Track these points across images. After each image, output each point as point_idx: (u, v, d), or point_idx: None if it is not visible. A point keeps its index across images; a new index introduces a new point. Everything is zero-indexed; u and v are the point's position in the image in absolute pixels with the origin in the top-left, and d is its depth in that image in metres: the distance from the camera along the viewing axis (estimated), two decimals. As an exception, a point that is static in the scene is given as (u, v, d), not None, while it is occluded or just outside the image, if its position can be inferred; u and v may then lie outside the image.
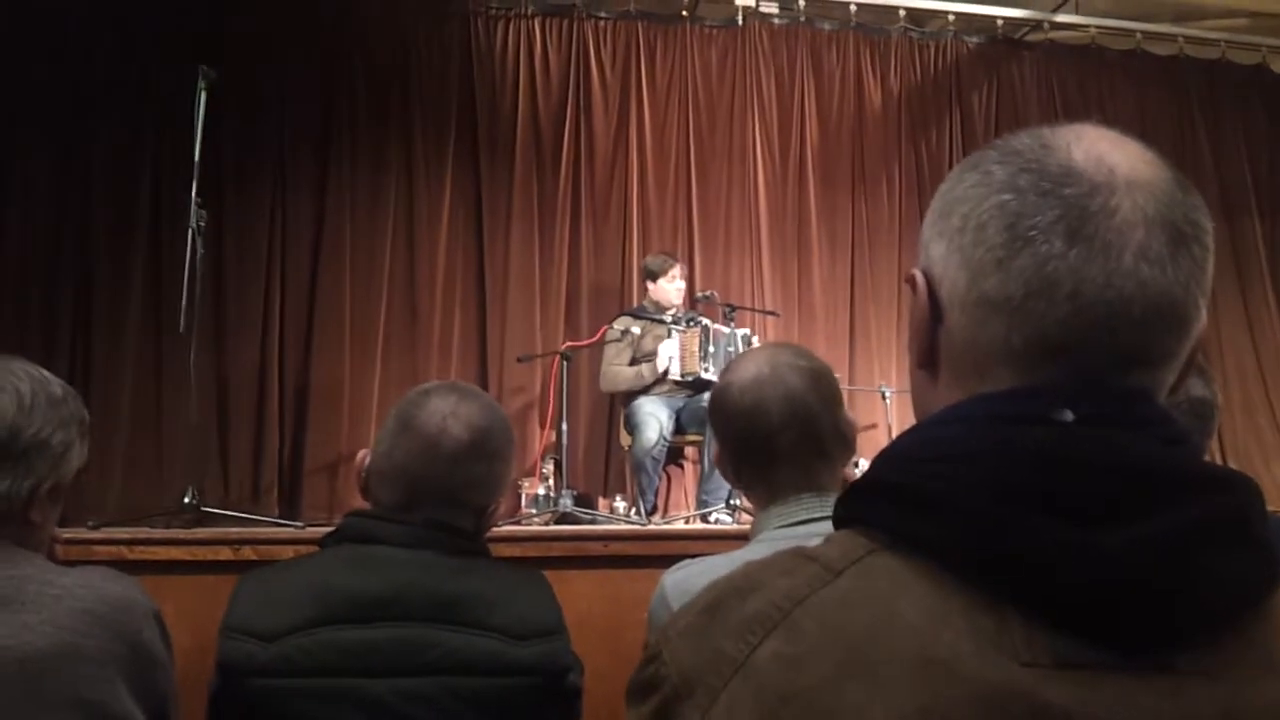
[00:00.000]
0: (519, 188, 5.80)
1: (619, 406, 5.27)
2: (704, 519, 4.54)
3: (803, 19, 6.30)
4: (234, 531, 3.31)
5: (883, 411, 5.66)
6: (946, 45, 6.50)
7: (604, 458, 5.69)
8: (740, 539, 1.73)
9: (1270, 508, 0.65)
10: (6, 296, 5.04)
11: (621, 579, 3.08)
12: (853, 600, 0.61)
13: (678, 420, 4.88)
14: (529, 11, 5.93)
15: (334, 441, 5.32)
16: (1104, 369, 0.65)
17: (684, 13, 6.14)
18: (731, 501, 4.38)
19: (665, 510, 5.30)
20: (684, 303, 5.25)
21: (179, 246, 4.00)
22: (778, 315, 5.79)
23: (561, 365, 4.91)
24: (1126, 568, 0.57)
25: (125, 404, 5.06)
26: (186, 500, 3.68)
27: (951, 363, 0.70)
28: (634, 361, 5.05)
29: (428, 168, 5.71)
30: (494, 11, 5.91)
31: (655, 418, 4.74)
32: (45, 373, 1.41)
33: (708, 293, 5.33)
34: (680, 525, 4.57)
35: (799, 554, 0.66)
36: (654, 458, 4.73)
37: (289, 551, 2.86)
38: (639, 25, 6.08)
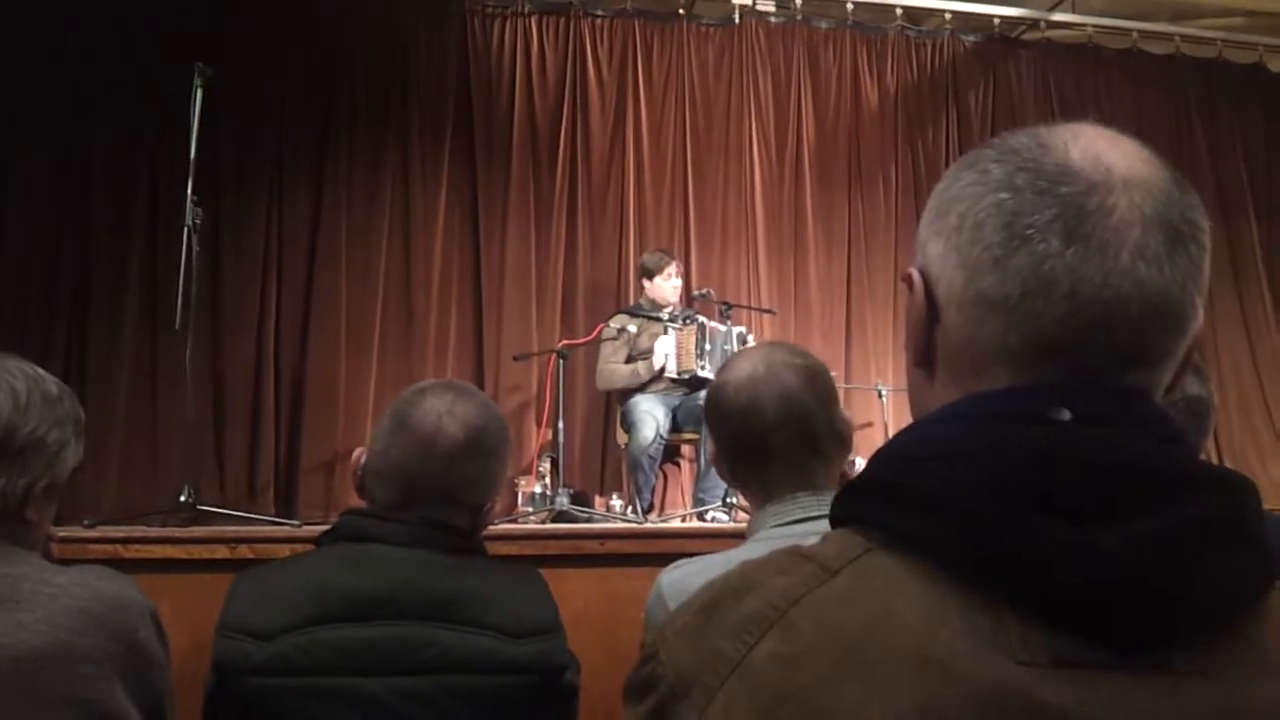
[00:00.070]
0: (515, 186, 5.80)
1: (615, 405, 5.27)
2: (700, 517, 4.54)
3: (799, 17, 6.30)
4: (230, 530, 3.31)
5: (879, 410, 5.66)
6: (943, 44, 6.51)
7: (600, 456, 5.69)
8: (737, 537, 1.73)
9: (1267, 507, 0.65)
10: (4, 295, 5.03)
11: (618, 577, 3.07)
12: (849, 599, 0.61)
13: (674, 418, 4.88)
14: (526, 10, 5.93)
15: (330, 440, 5.32)
16: (1101, 368, 0.65)
17: (681, 11, 6.14)
18: (728, 500, 4.38)
19: (662, 508, 5.30)
20: (680, 300, 5.25)
21: (176, 245, 4.00)
22: (774, 313, 5.79)
23: (558, 363, 4.91)
24: (1123, 567, 0.57)
25: (121, 402, 5.05)
26: (182, 499, 3.68)
27: (948, 361, 0.70)
28: (630, 359, 5.05)
29: (424, 166, 5.71)
30: (491, 10, 5.91)
31: (652, 416, 4.74)
32: (41, 371, 1.41)
33: (704, 291, 5.33)
34: (677, 524, 4.57)
35: (795, 553, 0.66)
36: (650, 456, 4.73)
37: (285, 550, 2.86)
38: (636, 23, 6.08)
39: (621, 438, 5.05)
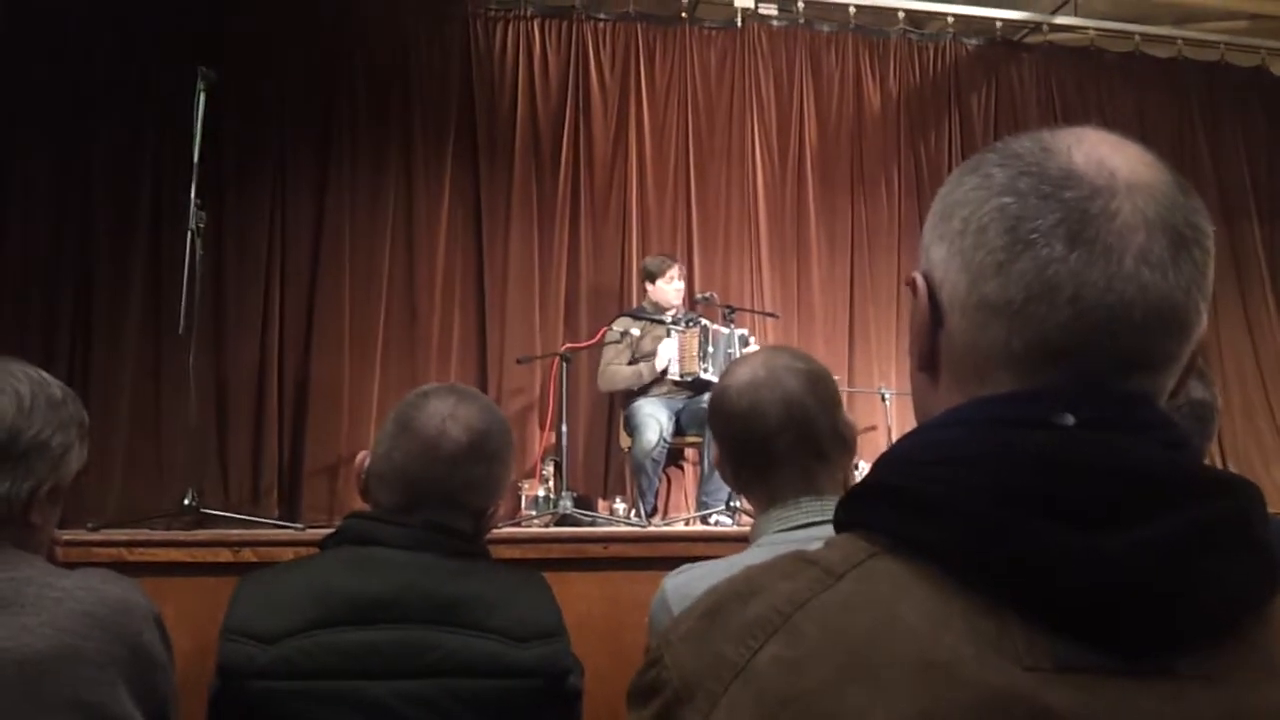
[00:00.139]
0: (518, 189, 5.80)
1: (619, 408, 5.26)
2: (704, 521, 4.54)
3: (802, 21, 6.30)
4: (234, 533, 3.31)
5: (882, 413, 5.66)
6: (945, 47, 6.50)
7: (604, 459, 5.68)
8: (740, 541, 1.73)
9: (1271, 510, 0.65)
10: (6, 297, 5.03)
11: (621, 581, 3.07)
12: (854, 604, 0.61)
13: (677, 422, 4.88)
14: (528, 13, 5.93)
15: (333, 443, 5.31)
16: (1105, 373, 0.65)
17: (683, 14, 6.14)
18: (731, 503, 4.38)
19: (665, 512, 5.30)
20: (683, 303, 5.25)
21: (179, 248, 4.00)
22: (777, 317, 5.79)
23: (561, 367, 4.91)
24: (1127, 571, 0.57)
25: (125, 406, 5.05)
26: (186, 502, 3.68)
27: (952, 366, 0.70)
28: (633, 362, 5.05)
29: (427, 169, 5.71)
30: (493, 13, 5.91)
31: (655, 419, 4.74)
32: (45, 374, 1.41)
33: (707, 294, 5.33)
34: (680, 527, 4.57)
35: (800, 558, 0.66)
36: (654, 459, 4.73)
37: (289, 553, 2.86)
38: (638, 27, 6.08)
39: (625, 441, 5.04)
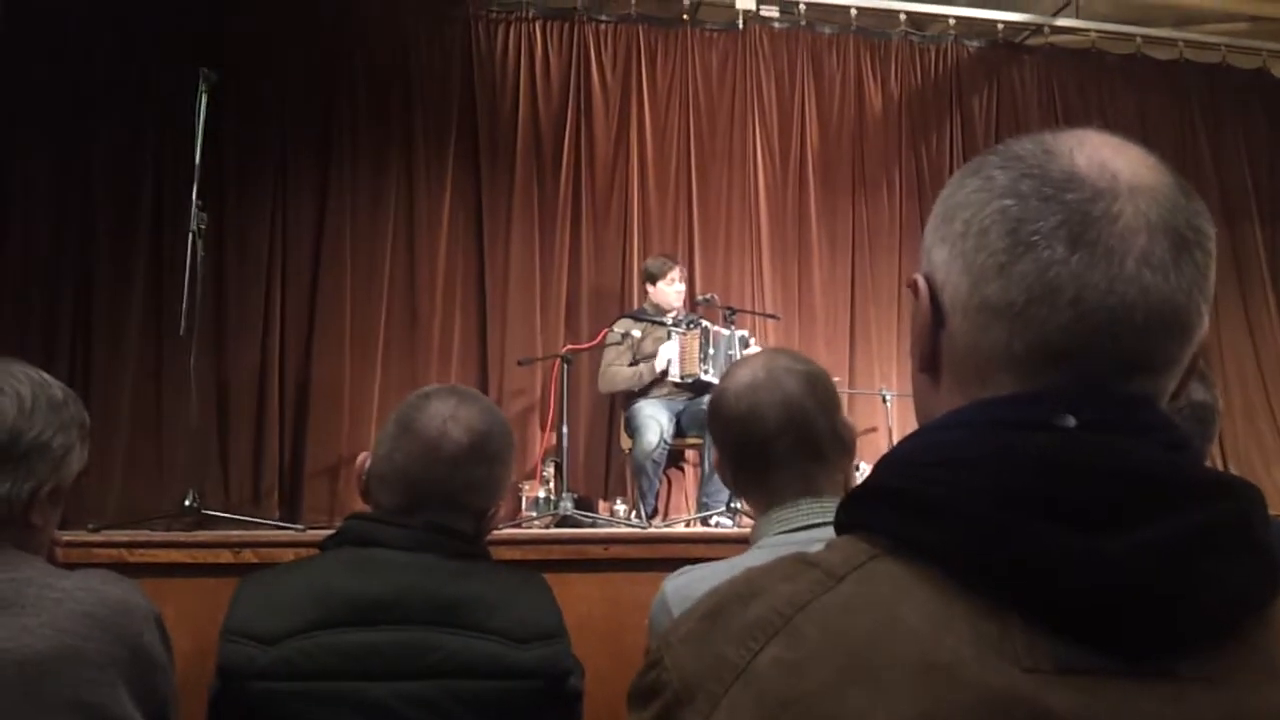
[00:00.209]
0: (519, 191, 5.80)
1: (619, 409, 5.27)
2: (704, 522, 4.54)
3: (803, 23, 6.30)
4: (234, 534, 3.32)
5: (883, 415, 5.66)
6: (947, 49, 6.51)
7: (604, 461, 5.68)
8: (740, 543, 1.73)
9: (1272, 512, 0.65)
10: (7, 298, 5.03)
11: (622, 582, 3.07)
12: (855, 606, 0.61)
13: (678, 423, 4.89)
14: (530, 15, 5.94)
15: (334, 444, 5.32)
16: (1106, 375, 0.65)
17: (684, 16, 6.14)
18: (732, 505, 4.38)
19: (666, 513, 5.30)
20: (684, 305, 5.25)
21: (179, 249, 4.01)
22: (778, 318, 5.79)
23: (562, 368, 4.92)
24: (1129, 573, 0.57)
25: (126, 407, 5.05)
26: (187, 503, 3.69)
27: (953, 367, 0.70)
28: (634, 364, 5.05)
29: (428, 171, 5.71)
30: (494, 14, 5.92)
31: (656, 421, 4.74)
32: (46, 375, 1.41)
33: (708, 295, 5.33)
34: (681, 528, 4.57)
35: (800, 560, 0.66)
36: (654, 461, 4.73)
37: (289, 554, 2.86)
38: (640, 28, 6.09)
39: (625, 442, 5.05)
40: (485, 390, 5.33)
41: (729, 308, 5.13)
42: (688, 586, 1.54)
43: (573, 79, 5.94)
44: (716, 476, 4.22)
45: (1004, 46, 6.57)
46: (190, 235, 3.84)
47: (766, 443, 1.55)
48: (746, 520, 4.00)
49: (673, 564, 1.66)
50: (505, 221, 5.77)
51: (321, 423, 5.35)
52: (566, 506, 4.51)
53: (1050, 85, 6.60)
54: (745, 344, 4.93)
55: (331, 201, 5.54)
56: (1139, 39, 6.64)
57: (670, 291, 5.13)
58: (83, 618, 1.27)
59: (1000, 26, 6.50)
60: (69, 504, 1.45)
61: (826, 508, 1.51)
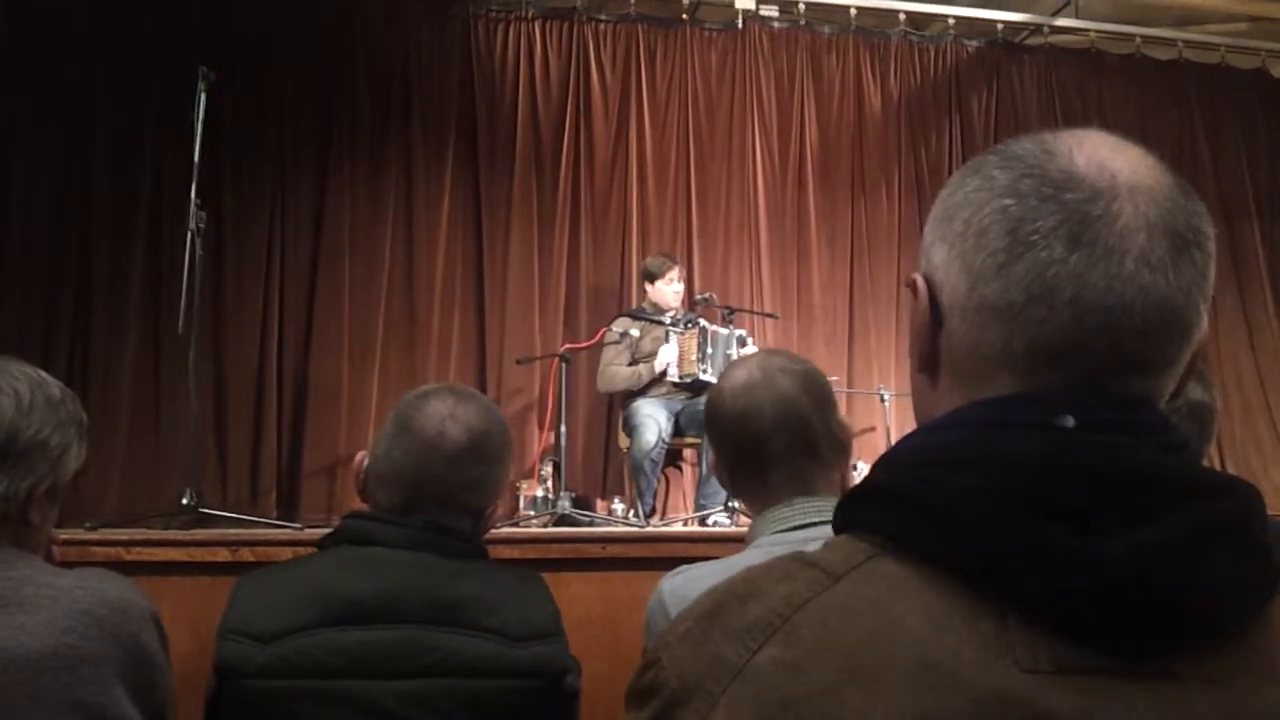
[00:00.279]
0: (518, 190, 5.80)
1: (617, 408, 5.27)
2: (702, 521, 4.54)
3: (802, 22, 6.30)
4: (232, 533, 3.31)
5: (881, 414, 5.65)
6: (946, 49, 6.51)
7: (602, 460, 5.68)
8: (738, 542, 1.73)
9: (1271, 512, 0.65)
10: (5, 296, 5.03)
11: (620, 581, 3.08)
12: (853, 606, 0.61)
13: (676, 423, 4.89)
14: (529, 14, 5.93)
15: (332, 443, 5.31)
16: (1105, 375, 0.65)
17: (684, 16, 6.14)
18: (730, 504, 4.38)
19: (663, 513, 5.30)
20: (682, 304, 5.25)
21: (178, 248, 4.01)
22: (777, 318, 5.79)
23: (560, 367, 4.91)
24: (1128, 573, 0.57)
25: (123, 405, 5.05)
26: (185, 501, 3.68)
27: (952, 367, 0.70)
28: (633, 363, 5.05)
29: (427, 169, 5.71)
30: (494, 14, 5.91)
31: (654, 420, 4.74)
32: (43, 374, 1.41)
33: (707, 295, 5.33)
34: (678, 528, 4.57)
35: (799, 559, 0.66)
36: (652, 460, 4.73)
37: (287, 553, 2.86)
38: (639, 28, 6.09)
39: (623, 442, 5.05)
40: (483, 389, 5.33)
41: (727, 307, 5.13)
42: (684, 586, 1.54)
43: (572, 78, 5.94)
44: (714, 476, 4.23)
45: (1003, 46, 6.58)
46: (189, 234, 3.84)
47: (762, 442, 1.56)
48: (744, 519, 4.00)
49: (670, 563, 1.66)
50: (504, 220, 5.77)
51: (320, 422, 5.34)
52: (564, 505, 4.51)
53: (1050, 85, 6.60)
54: (743, 343, 4.93)
55: (330, 200, 5.54)
56: (1138, 39, 6.65)
57: (669, 291, 5.13)
58: (80, 616, 1.27)
59: (1000, 26, 6.51)
60: (66, 502, 1.45)
61: (822, 507, 1.52)
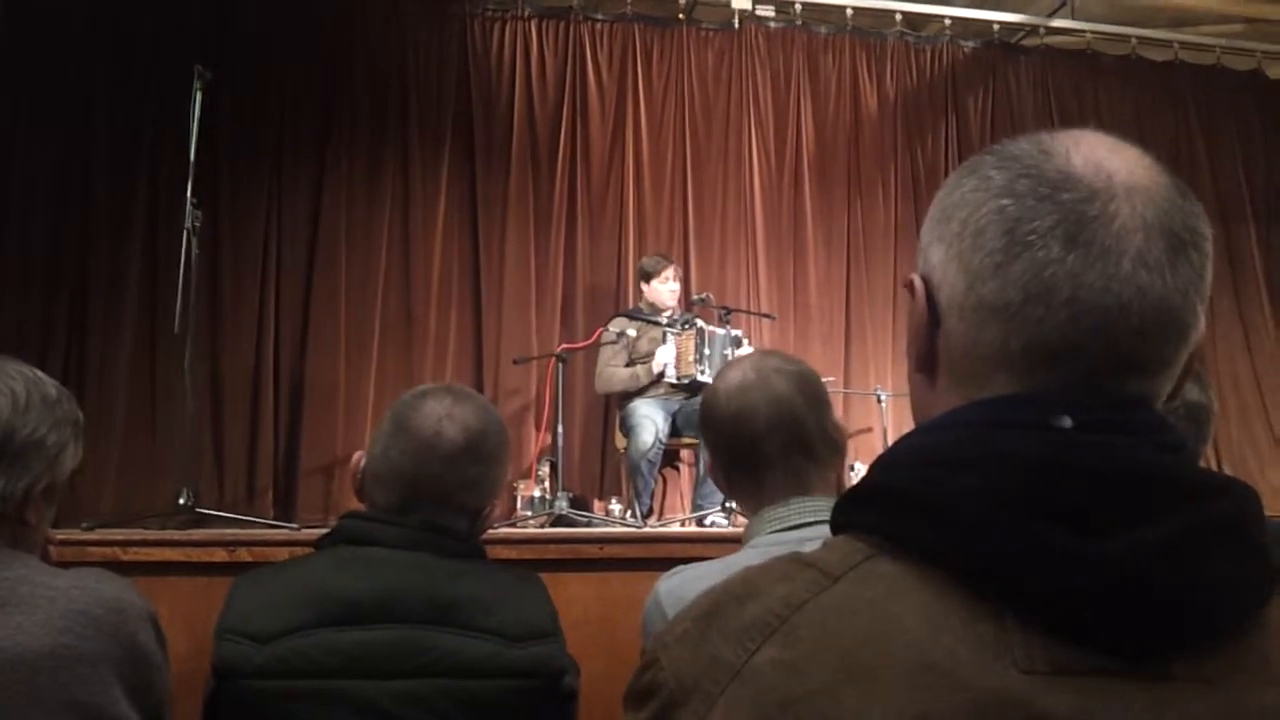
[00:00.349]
0: (515, 189, 5.80)
1: (614, 409, 5.27)
2: (699, 522, 4.54)
3: (799, 22, 6.31)
4: (229, 533, 3.31)
5: (878, 415, 5.65)
6: (942, 50, 6.51)
7: (600, 460, 5.69)
8: (735, 542, 1.73)
9: (1268, 514, 0.65)
10: (3, 296, 5.02)
11: (617, 581, 3.08)
12: (851, 606, 0.61)
13: (673, 423, 4.89)
14: (525, 13, 5.94)
15: (329, 443, 5.31)
16: (1102, 375, 0.65)
17: (680, 15, 6.15)
18: (727, 505, 4.38)
19: (661, 513, 5.30)
20: (679, 304, 5.25)
21: (175, 246, 4.00)
22: (773, 318, 5.79)
23: (557, 367, 4.91)
24: (1125, 574, 0.57)
25: (120, 405, 5.04)
26: (181, 501, 3.68)
27: (950, 367, 0.70)
28: (630, 363, 5.05)
29: (424, 169, 5.71)
30: (490, 13, 5.91)
31: (651, 420, 4.74)
32: (40, 373, 1.41)
33: (703, 295, 5.33)
34: (676, 528, 4.57)
35: (796, 560, 0.66)
36: (650, 460, 4.73)
37: (284, 553, 2.86)
38: (635, 28, 6.09)
39: (621, 442, 5.05)
40: (480, 389, 5.32)
41: (724, 308, 5.13)
42: (681, 587, 1.54)
43: (568, 78, 5.94)
44: (711, 476, 4.22)
45: (999, 47, 6.59)
46: (185, 233, 3.83)
47: (757, 442, 1.56)
48: (741, 520, 3.99)
49: (668, 564, 1.66)
50: (500, 220, 5.77)
51: (316, 421, 5.34)
52: (562, 506, 4.50)
53: (1046, 86, 6.61)
54: (738, 344, 4.93)
55: (327, 199, 5.53)
56: (1134, 40, 6.66)
57: (665, 290, 5.13)
58: (77, 616, 1.27)
59: (996, 27, 6.52)
60: (63, 502, 1.45)
61: (819, 507, 1.52)
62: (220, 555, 2.98)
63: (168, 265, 4.81)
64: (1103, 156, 0.66)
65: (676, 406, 4.91)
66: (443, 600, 1.44)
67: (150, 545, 3.00)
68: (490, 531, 1.79)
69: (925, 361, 0.72)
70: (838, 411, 1.68)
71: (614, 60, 6.04)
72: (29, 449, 1.34)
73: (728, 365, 1.72)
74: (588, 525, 4.45)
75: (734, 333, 4.99)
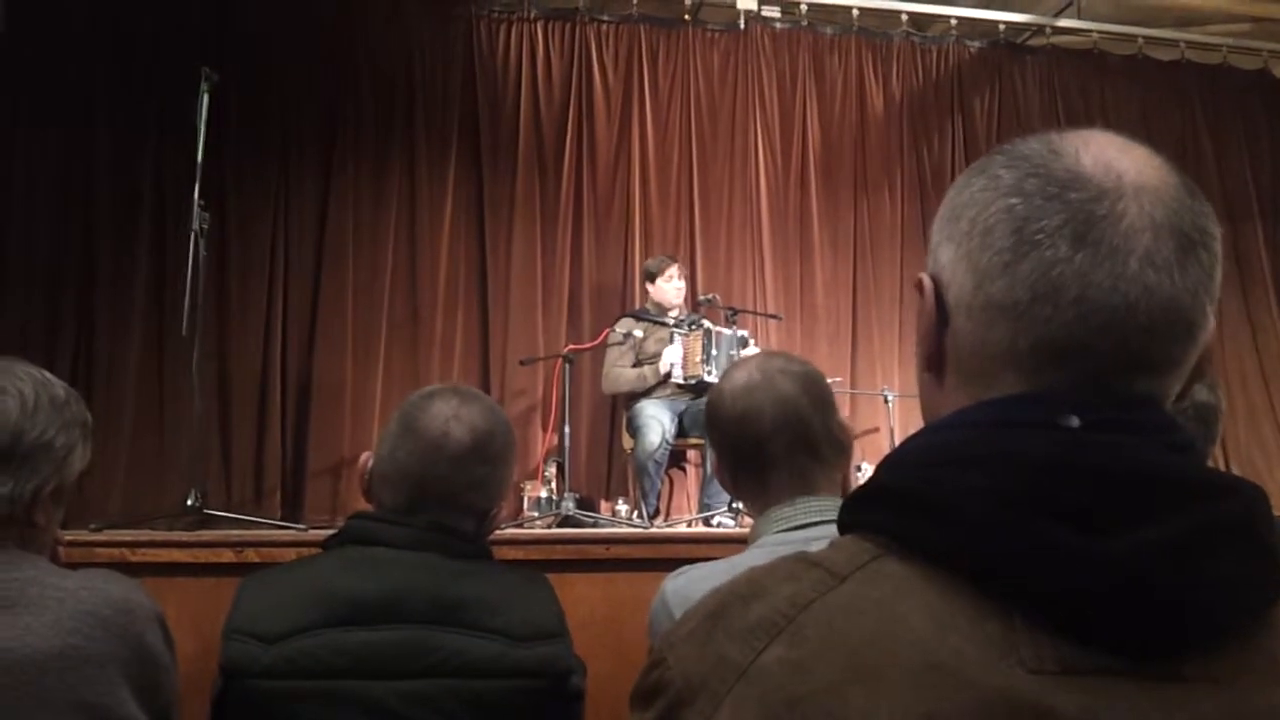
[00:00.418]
0: (521, 190, 5.80)
1: (621, 409, 5.27)
2: (706, 522, 4.54)
3: (805, 23, 6.30)
4: (236, 534, 3.31)
5: (885, 415, 5.65)
6: (948, 50, 6.50)
7: (606, 461, 5.69)
8: (742, 542, 1.73)
9: (1276, 513, 0.65)
10: (9, 297, 5.03)
11: (623, 582, 3.07)
12: (858, 606, 0.61)
13: (680, 423, 4.88)
14: (531, 15, 5.94)
15: (336, 444, 5.31)
16: (1110, 374, 0.65)
17: (686, 16, 6.14)
18: (733, 505, 4.37)
19: (667, 513, 5.30)
20: (685, 304, 5.25)
21: (182, 249, 4.00)
22: (780, 319, 5.79)
23: (564, 368, 4.91)
24: (1133, 574, 0.57)
25: (128, 406, 5.05)
26: (189, 502, 3.69)
27: (958, 366, 0.70)
28: (637, 364, 5.05)
29: (430, 170, 5.71)
30: (496, 14, 5.92)
31: (658, 421, 4.74)
32: (48, 375, 1.42)
33: (710, 296, 5.33)
34: (682, 529, 4.57)
35: (803, 559, 0.66)
36: (656, 461, 4.73)
37: (292, 554, 2.85)
38: (641, 28, 6.09)
39: (627, 442, 5.05)
40: (487, 390, 5.33)
41: (731, 308, 5.12)
42: (687, 587, 1.54)
43: (574, 79, 5.94)
44: (718, 477, 4.22)
45: (1005, 47, 6.57)
46: (192, 235, 3.83)
47: (763, 443, 1.56)
48: (748, 520, 3.99)
49: (674, 564, 1.66)
50: (507, 221, 5.77)
51: (323, 422, 5.35)
52: (568, 506, 4.50)
53: (1052, 86, 6.60)
54: (744, 344, 4.93)
55: (333, 200, 5.54)
56: (1141, 40, 6.64)
57: (669, 288, 5.13)
58: (85, 617, 1.27)
59: (1002, 27, 6.50)
60: (71, 503, 1.45)
61: (824, 506, 1.52)
62: (228, 556, 2.98)
63: (175, 266, 4.82)
64: (1112, 156, 0.66)
65: (683, 407, 4.91)
66: (449, 600, 1.45)
67: (158, 546, 3.01)
68: (497, 532, 1.79)
69: (934, 361, 0.72)
70: (844, 412, 1.68)
71: (619, 61, 6.04)
72: (37, 451, 1.35)
73: (733, 366, 1.72)
74: (594, 526, 4.44)
75: (740, 333, 4.98)
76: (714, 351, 4.83)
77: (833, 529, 0.70)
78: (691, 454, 5.27)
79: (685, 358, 4.86)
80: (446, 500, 1.55)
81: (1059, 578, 0.58)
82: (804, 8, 6.24)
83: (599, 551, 3.19)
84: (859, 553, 0.64)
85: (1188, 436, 0.65)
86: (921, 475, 0.64)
